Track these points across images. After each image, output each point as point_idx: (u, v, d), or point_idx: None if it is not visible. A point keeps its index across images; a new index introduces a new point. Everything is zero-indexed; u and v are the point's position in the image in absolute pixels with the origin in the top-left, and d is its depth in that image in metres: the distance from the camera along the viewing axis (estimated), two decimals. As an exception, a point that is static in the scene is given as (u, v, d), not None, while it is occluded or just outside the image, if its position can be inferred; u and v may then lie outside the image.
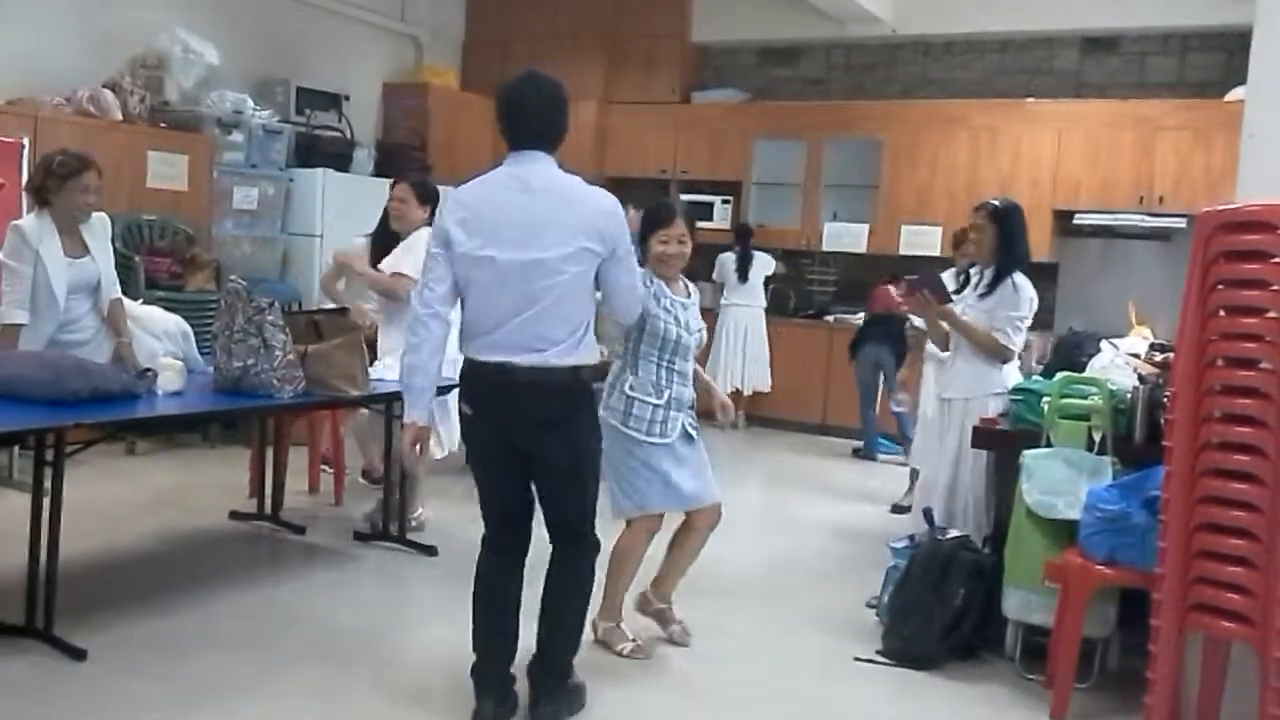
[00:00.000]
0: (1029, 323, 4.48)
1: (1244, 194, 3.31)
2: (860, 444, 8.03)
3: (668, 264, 3.79)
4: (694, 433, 3.85)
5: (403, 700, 3.39)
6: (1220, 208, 3.12)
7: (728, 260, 8.68)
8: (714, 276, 8.73)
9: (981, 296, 4.48)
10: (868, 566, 4.94)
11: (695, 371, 3.95)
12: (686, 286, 3.91)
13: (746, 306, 8.67)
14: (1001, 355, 4.45)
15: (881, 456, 7.84)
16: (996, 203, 4.54)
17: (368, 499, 5.41)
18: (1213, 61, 8.10)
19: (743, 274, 8.64)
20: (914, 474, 5.98)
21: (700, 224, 7.37)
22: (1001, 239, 4.45)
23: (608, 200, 3.16)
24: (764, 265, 8.68)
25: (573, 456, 3.20)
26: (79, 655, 3.51)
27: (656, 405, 3.74)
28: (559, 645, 3.29)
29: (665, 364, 3.77)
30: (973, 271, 4.65)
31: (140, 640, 3.74)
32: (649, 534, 3.89)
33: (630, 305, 3.36)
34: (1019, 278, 4.43)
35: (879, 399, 7.72)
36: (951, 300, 4.54)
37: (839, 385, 8.42)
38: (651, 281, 3.73)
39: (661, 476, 3.76)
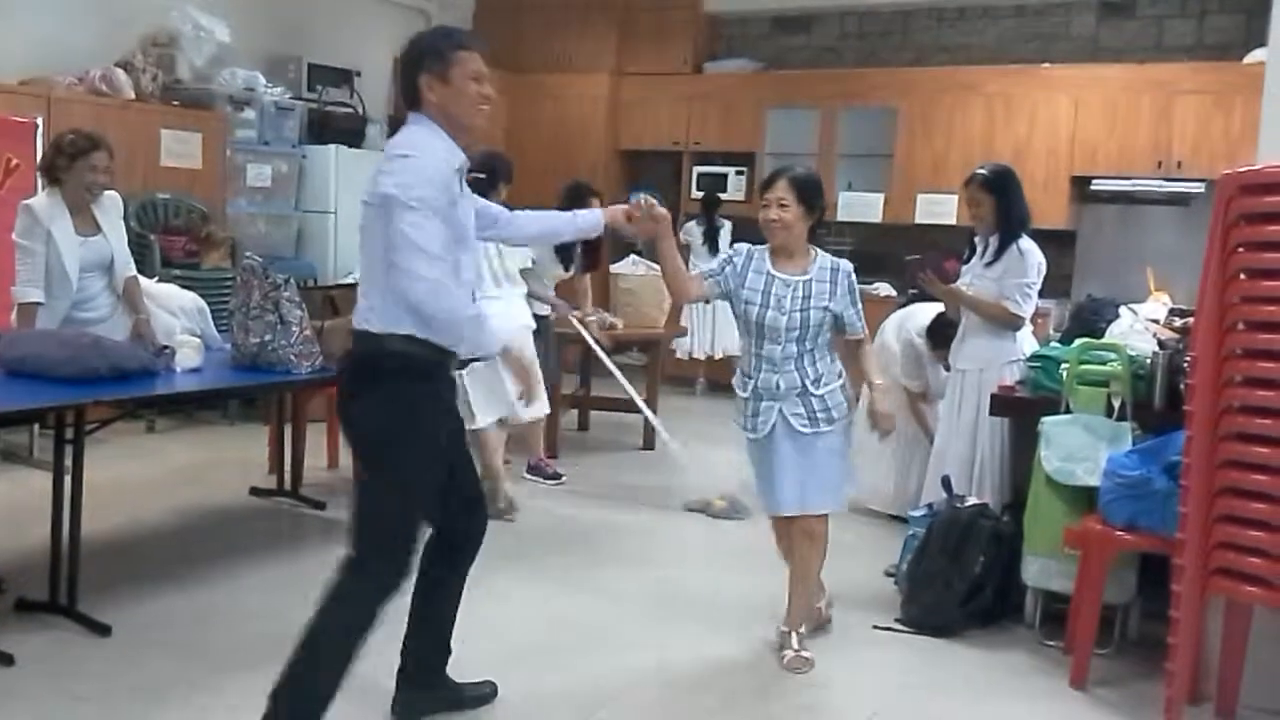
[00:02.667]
0: (1038, 288, 4.44)
1: (1265, 156, 3.28)
2: None
3: (768, 230, 3.57)
4: (803, 428, 3.52)
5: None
6: (1241, 170, 3.09)
7: (693, 230, 8.59)
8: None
9: (988, 265, 4.46)
10: (886, 535, 4.95)
11: (861, 359, 3.65)
12: (815, 261, 3.57)
13: None
14: (1012, 324, 4.42)
15: None
16: (985, 172, 4.48)
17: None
18: (1231, 24, 8.00)
19: (711, 244, 8.54)
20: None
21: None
22: (999, 207, 4.40)
23: (394, 148, 2.78)
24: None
25: (355, 440, 2.85)
26: (103, 630, 3.54)
27: (744, 397, 3.61)
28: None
29: (754, 350, 3.58)
30: (977, 241, 4.61)
31: (163, 615, 3.77)
32: (779, 533, 3.77)
33: (397, 278, 2.69)
34: (1025, 243, 4.40)
35: None
36: (954, 280, 4.52)
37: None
38: (739, 255, 3.60)
39: (757, 473, 3.70)
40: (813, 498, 3.58)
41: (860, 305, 3.62)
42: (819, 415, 3.54)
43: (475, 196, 3.08)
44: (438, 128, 2.82)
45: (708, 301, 3.89)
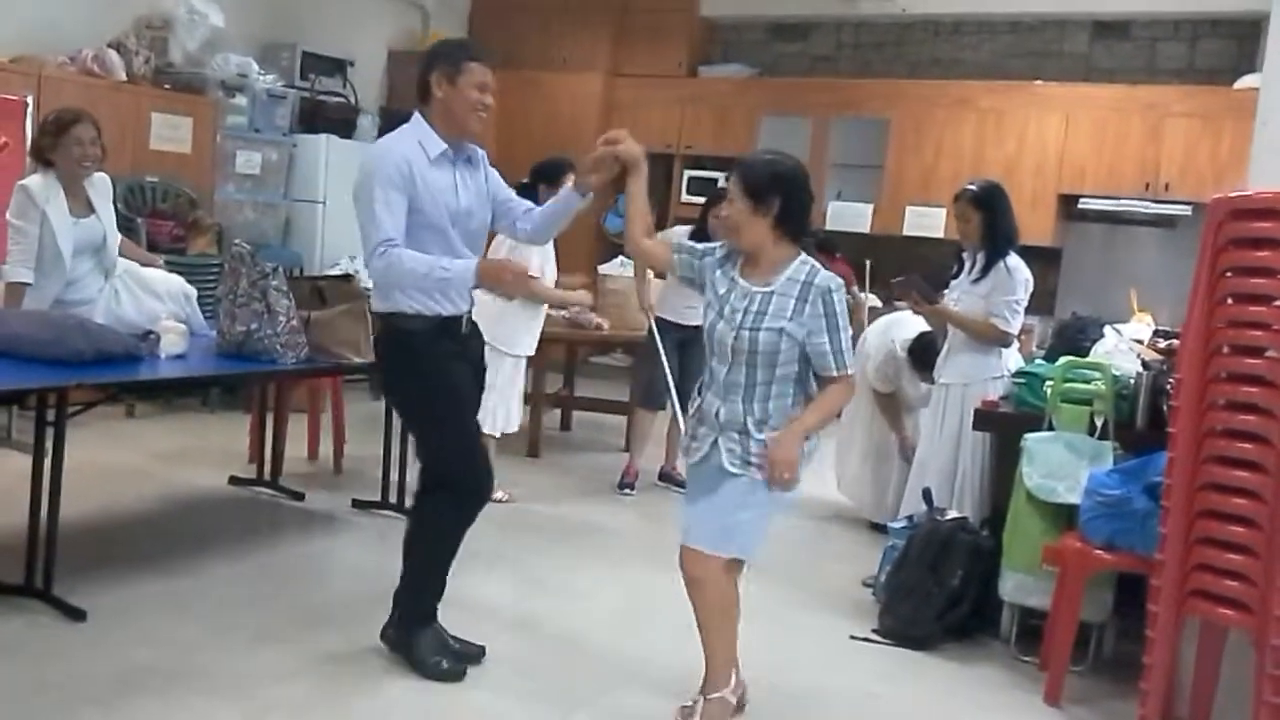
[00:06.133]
0: (1025, 304, 4.47)
1: (1256, 181, 3.30)
2: None
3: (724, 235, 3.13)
4: (733, 466, 2.95)
5: (399, 665, 3.40)
6: (1233, 194, 3.11)
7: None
8: None
9: (975, 281, 4.48)
10: (865, 545, 4.97)
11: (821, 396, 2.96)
12: (784, 272, 2.91)
13: None
14: (1001, 341, 4.45)
15: None
16: (975, 187, 4.50)
17: (369, 466, 5.41)
18: (1223, 48, 8.06)
19: None
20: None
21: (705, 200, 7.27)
22: (987, 223, 4.43)
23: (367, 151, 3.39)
24: None
25: (391, 402, 3.54)
26: (78, 615, 3.52)
27: (690, 414, 3.12)
28: (401, 582, 3.46)
29: (708, 364, 3.05)
30: (965, 256, 4.64)
31: (139, 602, 3.74)
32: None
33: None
34: (1012, 260, 4.42)
35: None
36: (939, 299, 4.55)
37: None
38: (723, 248, 3.09)
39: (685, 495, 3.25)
40: (696, 529, 3.03)
41: (843, 335, 2.90)
42: (753, 459, 2.93)
43: (505, 190, 3.53)
44: (425, 124, 3.29)
45: (661, 276, 3.74)
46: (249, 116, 7.58)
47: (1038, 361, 4.47)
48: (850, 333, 2.96)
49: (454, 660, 3.40)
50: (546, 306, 5.54)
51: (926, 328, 5.06)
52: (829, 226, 8.93)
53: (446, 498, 3.36)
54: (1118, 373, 3.90)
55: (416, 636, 3.39)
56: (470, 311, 3.44)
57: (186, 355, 4.07)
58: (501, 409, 5.26)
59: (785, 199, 2.89)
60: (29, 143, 4.85)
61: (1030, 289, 4.46)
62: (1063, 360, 4.06)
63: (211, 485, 5.27)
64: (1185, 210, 7.60)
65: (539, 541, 4.91)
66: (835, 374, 2.93)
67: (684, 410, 3.29)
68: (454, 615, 3.50)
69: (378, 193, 3.17)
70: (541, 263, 5.13)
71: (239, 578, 4.09)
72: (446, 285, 3.26)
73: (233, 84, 7.44)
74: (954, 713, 3.50)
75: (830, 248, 8.32)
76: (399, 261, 3.16)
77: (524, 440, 6.24)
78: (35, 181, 4.37)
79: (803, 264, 2.94)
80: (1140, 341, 4.36)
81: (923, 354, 5.03)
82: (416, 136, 3.27)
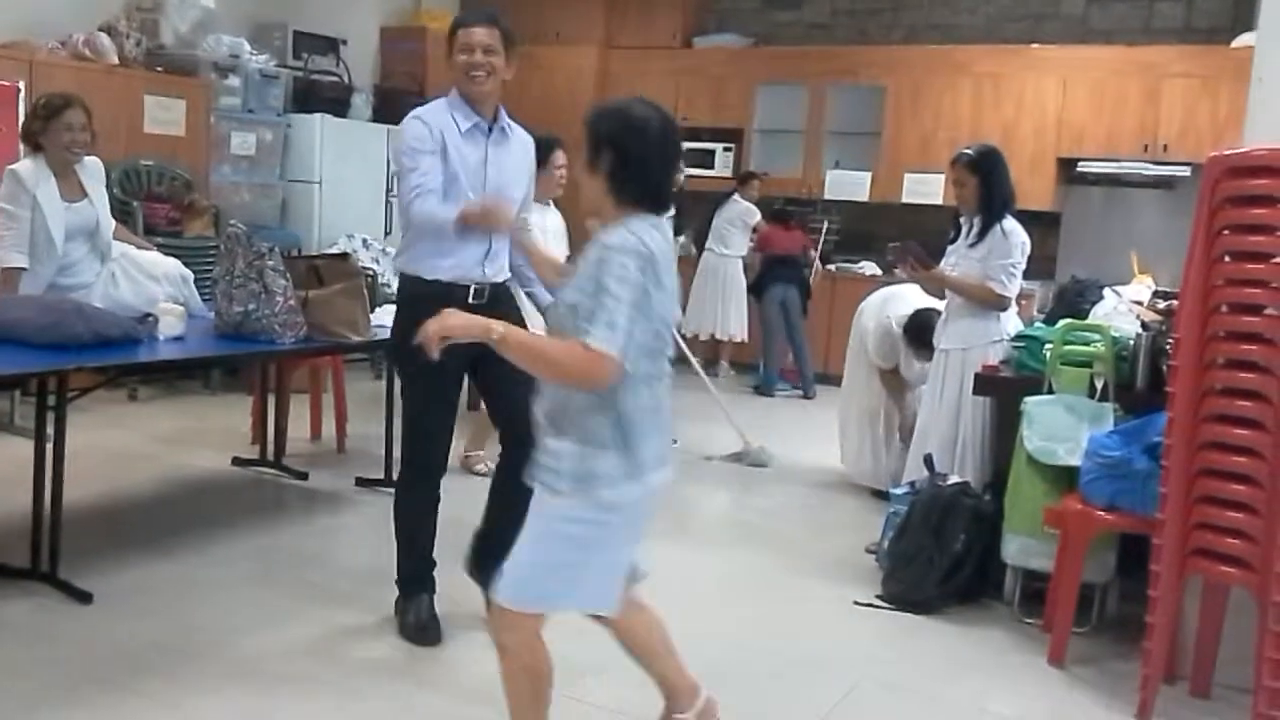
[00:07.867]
0: (1023, 268, 4.45)
1: (1252, 139, 3.28)
2: (760, 383, 8.30)
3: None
4: (527, 479, 2.40)
5: (405, 642, 3.42)
6: (1228, 152, 3.10)
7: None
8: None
9: (972, 245, 4.46)
10: (868, 512, 4.98)
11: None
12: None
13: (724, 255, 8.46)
14: (998, 305, 4.43)
15: (779, 394, 8.19)
16: (971, 152, 4.48)
17: (371, 444, 5.42)
18: (1220, 7, 8.01)
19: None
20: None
21: (701, 172, 7.21)
22: (984, 187, 4.41)
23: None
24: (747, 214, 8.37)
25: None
26: (85, 597, 3.53)
27: None
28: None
29: None
30: (962, 221, 4.62)
31: (144, 583, 3.76)
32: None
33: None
34: (1008, 223, 4.41)
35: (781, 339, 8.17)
36: (934, 265, 4.53)
37: (840, 334, 8.35)
38: None
39: None
40: (502, 573, 2.39)
41: (610, 303, 2.19)
42: (545, 466, 2.35)
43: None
44: (454, 97, 3.40)
45: None
46: (242, 97, 7.55)
47: (1037, 325, 4.46)
48: (627, 310, 2.20)
49: (433, 625, 3.45)
50: None
51: (922, 304, 5.05)
52: (827, 195, 8.93)
53: (404, 471, 3.51)
54: (1117, 334, 3.90)
55: (403, 601, 3.50)
56: (489, 284, 3.38)
57: (185, 337, 4.06)
58: None
59: (618, 155, 2.28)
60: (20, 129, 4.84)
61: (1027, 252, 4.45)
62: (1062, 323, 4.05)
63: (215, 467, 5.28)
64: (1184, 171, 7.57)
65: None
66: (583, 339, 2.19)
67: None
68: (460, 592, 3.51)
69: (405, 161, 3.31)
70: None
71: (244, 558, 4.11)
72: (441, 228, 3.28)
73: (225, 65, 7.42)
74: (959, 675, 3.51)
75: (785, 217, 8.38)
76: (424, 210, 3.24)
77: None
78: (25, 167, 4.36)
79: (621, 228, 2.27)
80: (1139, 303, 4.36)
81: (918, 333, 5.03)
82: (450, 109, 3.38)
